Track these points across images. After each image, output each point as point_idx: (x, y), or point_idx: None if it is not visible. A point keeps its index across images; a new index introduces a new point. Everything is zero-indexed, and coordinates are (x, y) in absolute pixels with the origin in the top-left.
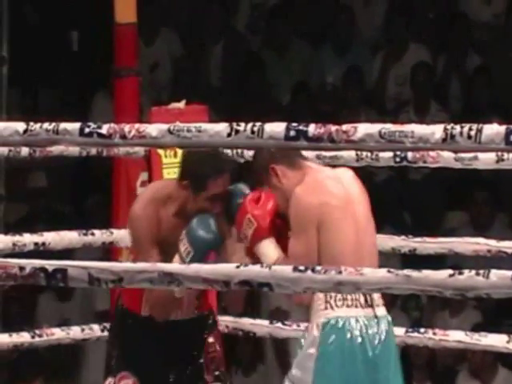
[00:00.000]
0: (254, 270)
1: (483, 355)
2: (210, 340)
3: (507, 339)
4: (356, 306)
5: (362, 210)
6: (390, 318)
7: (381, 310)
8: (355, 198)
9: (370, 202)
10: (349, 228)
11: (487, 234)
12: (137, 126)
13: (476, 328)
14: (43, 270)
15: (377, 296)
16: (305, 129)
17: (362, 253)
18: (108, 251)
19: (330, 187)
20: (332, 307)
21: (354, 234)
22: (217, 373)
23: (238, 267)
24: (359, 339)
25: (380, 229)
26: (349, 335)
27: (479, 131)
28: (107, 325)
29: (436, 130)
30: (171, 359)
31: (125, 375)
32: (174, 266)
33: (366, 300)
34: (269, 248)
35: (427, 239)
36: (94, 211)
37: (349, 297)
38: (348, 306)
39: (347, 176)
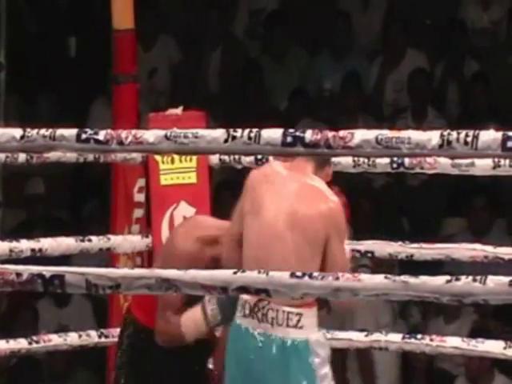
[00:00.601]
0: (251, 276)
1: (480, 361)
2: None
3: (504, 345)
4: (253, 318)
5: (283, 220)
6: (303, 343)
7: (284, 332)
8: (281, 208)
9: (368, 208)
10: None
11: (485, 239)
12: (134, 132)
13: (473, 334)
14: (41, 276)
15: (284, 317)
16: (302, 135)
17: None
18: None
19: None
20: (239, 311)
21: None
22: None
23: (235, 273)
24: (244, 350)
25: (377, 235)
26: (237, 343)
27: (476, 137)
28: (104, 331)
29: (433, 137)
30: (184, 373)
31: None
32: (172, 272)
33: (263, 315)
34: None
35: (424, 245)
36: (92, 217)
37: (247, 308)
38: (245, 316)
39: (294, 190)
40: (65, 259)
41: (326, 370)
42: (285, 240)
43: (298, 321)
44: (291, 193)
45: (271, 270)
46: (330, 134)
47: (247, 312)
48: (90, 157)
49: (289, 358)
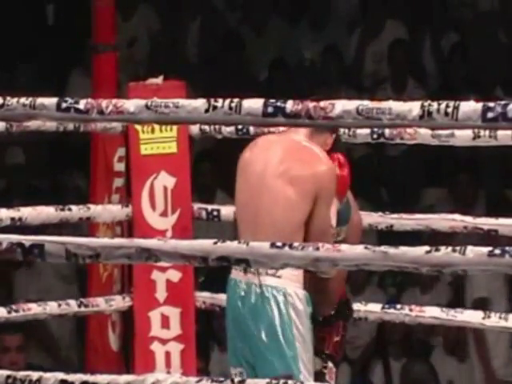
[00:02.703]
0: (231, 246)
1: (457, 331)
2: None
3: (483, 315)
4: (240, 270)
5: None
6: (280, 292)
7: (269, 280)
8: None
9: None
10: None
11: (466, 210)
12: (114, 101)
13: (450, 305)
14: (20, 245)
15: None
16: (283, 105)
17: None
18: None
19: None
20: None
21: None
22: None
23: (215, 243)
24: (232, 301)
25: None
26: (228, 295)
27: (456, 108)
28: (84, 300)
29: (413, 107)
30: None
31: None
32: (152, 242)
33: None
34: None
35: (404, 215)
36: (71, 187)
37: None
38: (236, 269)
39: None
40: (44, 229)
41: (304, 329)
42: (273, 187)
43: (277, 271)
44: (282, 150)
45: (260, 217)
46: (311, 104)
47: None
48: (70, 126)
49: (266, 304)
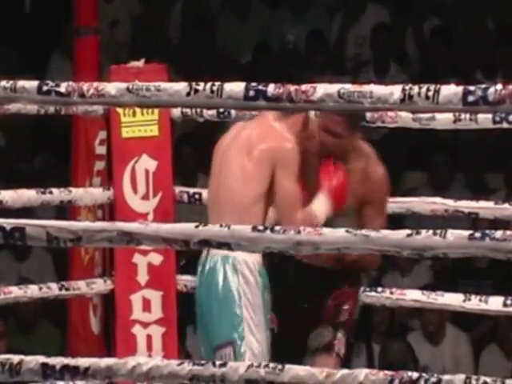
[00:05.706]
0: (213, 230)
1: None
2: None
3: (463, 298)
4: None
5: (229, 161)
6: (220, 258)
7: (222, 251)
8: (230, 148)
9: None
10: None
11: (446, 194)
12: (95, 84)
13: (429, 288)
14: (1, 228)
15: None
16: (264, 89)
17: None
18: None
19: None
20: None
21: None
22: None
23: (197, 227)
24: (197, 278)
25: None
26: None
27: (437, 92)
28: (65, 283)
29: (394, 91)
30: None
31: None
32: (133, 226)
33: None
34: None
35: None
36: (52, 170)
37: None
38: None
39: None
40: (26, 213)
41: (252, 297)
42: (231, 161)
43: None
44: (247, 130)
45: (221, 191)
46: (292, 87)
47: None
48: (51, 109)
49: (215, 273)
